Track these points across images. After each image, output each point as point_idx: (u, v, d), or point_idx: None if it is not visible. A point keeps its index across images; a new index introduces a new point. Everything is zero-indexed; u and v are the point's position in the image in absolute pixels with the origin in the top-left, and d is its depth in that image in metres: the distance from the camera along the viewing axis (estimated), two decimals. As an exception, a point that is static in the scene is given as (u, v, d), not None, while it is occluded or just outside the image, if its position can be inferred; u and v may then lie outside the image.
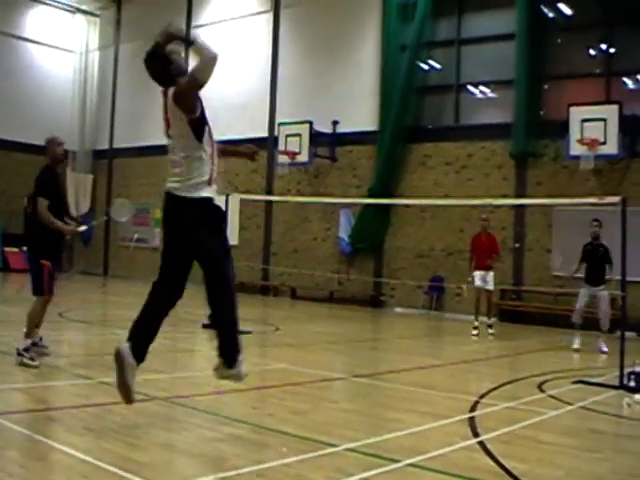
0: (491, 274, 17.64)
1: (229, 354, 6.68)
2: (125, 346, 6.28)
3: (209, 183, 6.49)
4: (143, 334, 6.53)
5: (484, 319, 17.66)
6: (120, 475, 5.14)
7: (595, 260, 15.04)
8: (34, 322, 9.76)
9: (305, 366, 10.96)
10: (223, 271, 6.58)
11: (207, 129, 6.67)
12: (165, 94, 6.51)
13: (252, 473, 5.42)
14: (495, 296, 18.81)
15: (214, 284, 6.62)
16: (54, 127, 33.12)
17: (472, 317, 17.77)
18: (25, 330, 9.62)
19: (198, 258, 6.54)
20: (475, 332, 17.20)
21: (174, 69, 6.50)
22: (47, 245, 9.82)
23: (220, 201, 6.58)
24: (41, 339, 10.18)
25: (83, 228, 10.40)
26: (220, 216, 6.68)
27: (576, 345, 14.99)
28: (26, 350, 9.44)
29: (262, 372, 10.51)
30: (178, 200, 6.43)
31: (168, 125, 6.57)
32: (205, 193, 6.45)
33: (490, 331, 17.34)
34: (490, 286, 17.65)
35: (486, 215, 18.42)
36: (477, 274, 17.65)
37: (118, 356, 6.24)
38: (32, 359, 9.37)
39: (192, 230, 6.40)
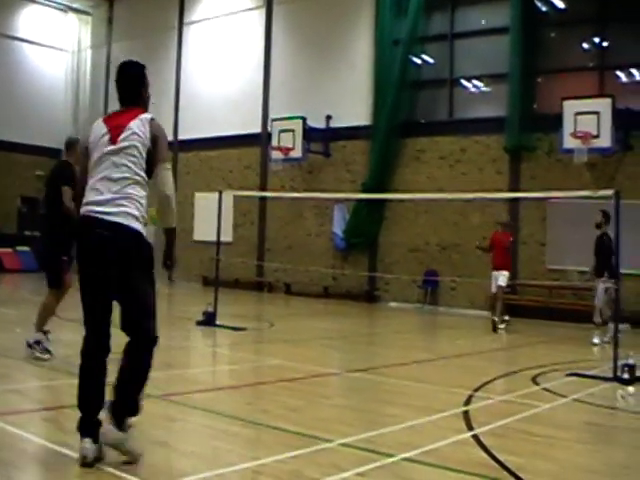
0: (504, 273, 17.38)
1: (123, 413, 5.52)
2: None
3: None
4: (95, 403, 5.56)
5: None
6: (115, 475, 5.14)
7: (600, 251, 14.92)
8: (46, 315, 9.75)
9: (300, 362, 10.96)
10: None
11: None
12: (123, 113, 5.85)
13: (247, 469, 5.44)
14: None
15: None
16: (47, 126, 33.28)
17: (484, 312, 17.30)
18: (36, 322, 9.67)
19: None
20: (502, 326, 17.09)
21: (145, 96, 6.09)
22: (65, 241, 9.71)
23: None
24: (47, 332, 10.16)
25: None
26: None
27: (595, 340, 14.84)
28: (37, 343, 9.54)
29: (257, 368, 10.55)
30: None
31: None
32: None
33: (501, 326, 17.13)
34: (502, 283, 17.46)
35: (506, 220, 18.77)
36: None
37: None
38: (44, 352, 9.49)
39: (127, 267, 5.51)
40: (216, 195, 15.83)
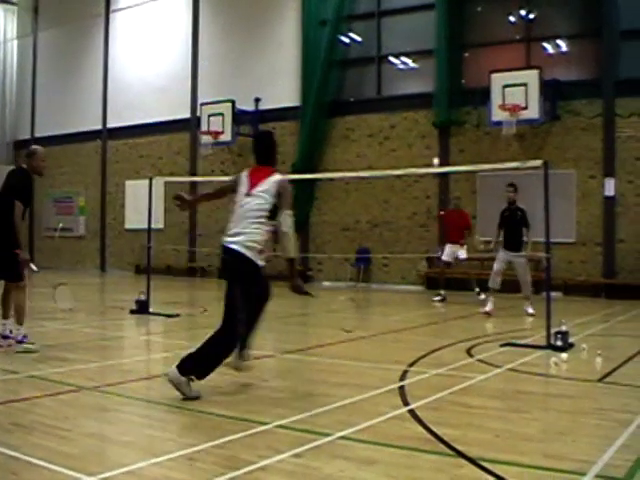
0: (459, 248, 18.55)
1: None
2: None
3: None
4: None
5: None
6: (51, 469, 5.05)
7: (513, 225, 15.23)
8: (24, 309, 10.09)
9: (235, 346, 10.90)
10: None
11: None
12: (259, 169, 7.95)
13: (184, 457, 5.39)
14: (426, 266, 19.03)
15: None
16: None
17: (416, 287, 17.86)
18: (18, 319, 10.01)
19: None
20: (437, 298, 18.44)
21: (276, 157, 8.28)
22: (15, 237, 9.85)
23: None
24: (11, 332, 10.37)
25: (34, 268, 10.67)
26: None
27: (487, 308, 15.16)
28: (25, 337, 9.98)
29: (192, 354, 10.44)
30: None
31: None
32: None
33: (481, 297, 17.43)
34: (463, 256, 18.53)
35: (458, 194, 19.32)
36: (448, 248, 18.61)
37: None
38: (32, 343, 9.96)
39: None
40: (146, 182, 15.68)
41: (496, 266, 15.44)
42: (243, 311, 7.79)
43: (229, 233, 7.66)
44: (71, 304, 13.18)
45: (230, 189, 8.15)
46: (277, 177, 7.78)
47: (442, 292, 18.53)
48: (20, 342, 9.87)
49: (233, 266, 7.66)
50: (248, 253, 7.54)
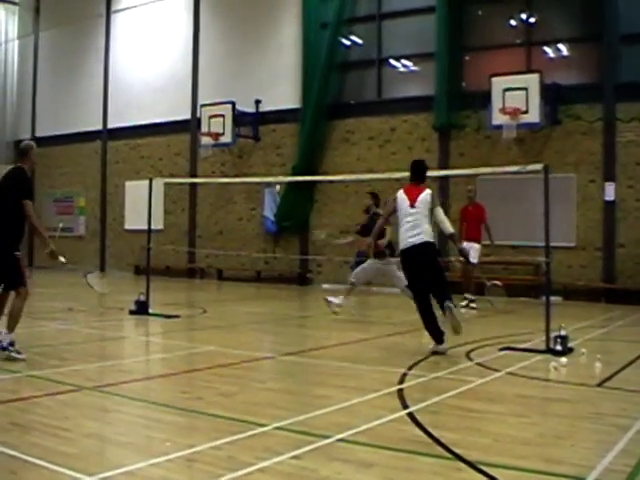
0: (475, 247, 16.84)
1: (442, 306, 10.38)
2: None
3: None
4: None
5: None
6: (50, 469, 5.03)
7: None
8: (19, 317, 9.52)
9: (233, 347, 10.91)
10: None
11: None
12: (415, 186, 10.88)
13: (182, 458, 5.37)
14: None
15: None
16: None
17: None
18: (9, 325, 9.45)
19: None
20: (463, 303, 17.00)
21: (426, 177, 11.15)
22: (18, 240, 9.62)
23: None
24: None
25: (63, 260, 10.15)
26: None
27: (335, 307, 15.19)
28: (11, 344, 9.32)
29: (190, 356, 10.46)
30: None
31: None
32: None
33: (473, 305, 16.97)
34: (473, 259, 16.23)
35: (471, 186, 18.31)
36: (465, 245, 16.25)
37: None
38: (18, 352, 9.33)
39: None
40: (146, 183, 15.65)
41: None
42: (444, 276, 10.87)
43: (412, 236, 10.43)
44: (107, 288, 12.95)
45: (393, 211, 11.08)
46: (428, 192, 10.68)
47: (469, 296, 17.51)
48: (4, 349, 9.32)
49: (425, 252, 10.39)
50: (432, 240, 10.46)
